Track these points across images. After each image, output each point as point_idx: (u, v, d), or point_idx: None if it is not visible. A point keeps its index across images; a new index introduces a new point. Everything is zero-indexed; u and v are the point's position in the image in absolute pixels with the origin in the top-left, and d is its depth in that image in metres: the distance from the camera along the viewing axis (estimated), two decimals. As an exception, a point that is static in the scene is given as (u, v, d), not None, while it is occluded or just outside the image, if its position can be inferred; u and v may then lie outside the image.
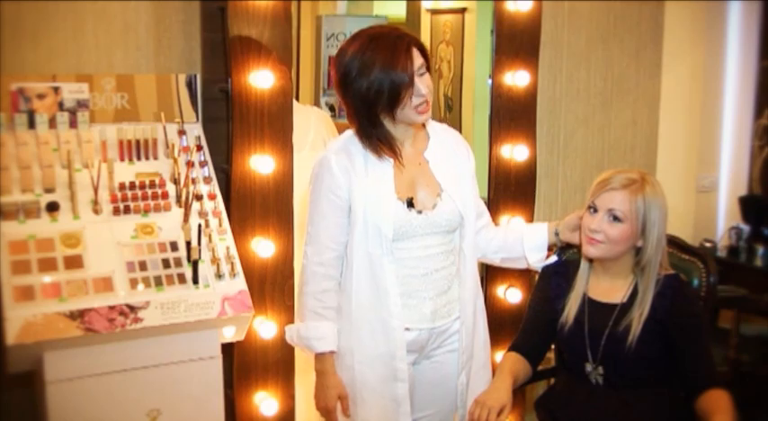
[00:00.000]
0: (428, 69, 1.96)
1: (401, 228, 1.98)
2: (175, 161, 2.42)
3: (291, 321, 2.40)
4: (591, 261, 2.11)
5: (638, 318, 2.00)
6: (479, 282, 2.18)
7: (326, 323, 2.03)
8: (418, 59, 1.92)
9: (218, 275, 2.30)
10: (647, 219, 1.98)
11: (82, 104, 2.39)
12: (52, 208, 2.24)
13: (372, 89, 1.90)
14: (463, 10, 4.28)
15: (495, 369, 2.17)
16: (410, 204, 2.00)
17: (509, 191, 2.89)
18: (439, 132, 2.13)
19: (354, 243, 2.01)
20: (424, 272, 2.02)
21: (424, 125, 2.10)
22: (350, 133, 2.07)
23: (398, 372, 2.03)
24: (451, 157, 2.10)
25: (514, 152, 2.88)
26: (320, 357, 2.05)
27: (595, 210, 2.03)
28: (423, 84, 1.93)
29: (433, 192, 2.04)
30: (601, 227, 2.01)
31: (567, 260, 2.32)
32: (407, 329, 2.03)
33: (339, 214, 2.02)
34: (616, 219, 1.99)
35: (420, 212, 2.00)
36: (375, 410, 2.05)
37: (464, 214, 2.06)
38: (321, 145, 2.70)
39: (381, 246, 1.98)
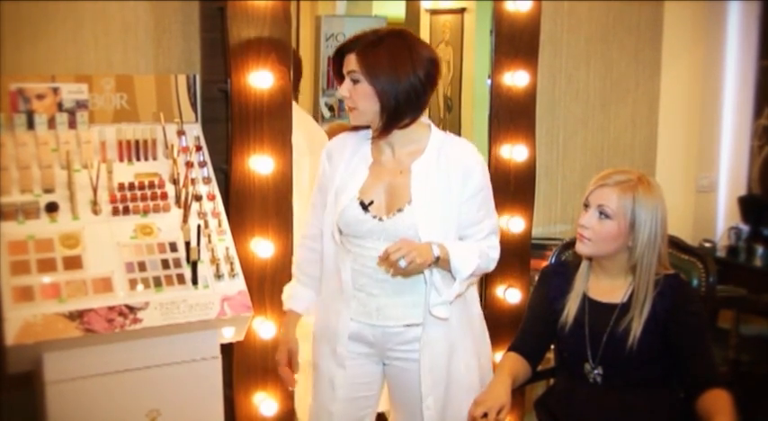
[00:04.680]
0: (368, 80, 1.90)
1: (351, 226, 1.98)
2: (175, 161, 2.42)
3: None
4: (590, 260, 2.11)
5: (638, 319, 2.00)
6: (467, 304, 2.07)
7: (301, 287, 2.16)
8: (349, 64, 1.93)
9: (218, 276, 2.30)
10: (636, 219, 1.97)
11: (81, 105, 2.39)
12: (51, 208, 2.24)
13: None
14: (462, 10, 4.27)
15: (493, 370, 2.16)
16: (364, 206, 1.97)
17: (509, 191, 2.89)
18: (443, 146, 2.00)
19: (325, 226, 2.07)
20: (372, 272, 1.99)
21: (427, 135, 2.03)
22: None
23: (338, 357, 2.04)
24: (442, 177, 1.97)
25: (514, 152, 2.88)
26: (285, 313, 2.18)
27: (588, 206, 2.03)
28: (343, 87, 1.95)
29: (400, 201, 1.97)
30: (590, 222, 2.01)
31: (566, 260, 2.32)
32: (351, 319, 2.03)
33: (322, 195, 2.09)
34: (605, 215, 1.99)
35: (375, 217, 1.97)
36: (316, 387, 2.12)
37: (423, 233, 1.93)
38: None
39: (338, 235, 2.02)
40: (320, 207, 2.10)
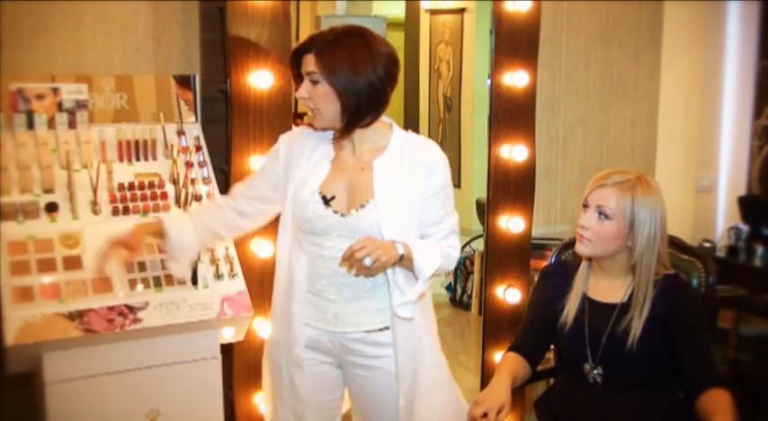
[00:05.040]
0: (327, 81, 1.86)
1: (311, 222, 1.94)
2: (174, 162, 2.42)
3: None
4: (590, 260, 2.11)
5: (638, 319, 2.00)
6: (423, 305, 2.02)
7: (185, 215, 2.19)
8: (307, 65, 1.89)
9: (218, 276, 2.30)
10: (635, 219, 1.97)
11: (81, 105, 2.39)
12: (51, 208, 2.24)
13: None
14: (462, 10, 4.27)
15: (492, 370, 2.16)
16: (326, 201, 1.94)
17: (508, 191, 2.90)
18: (406, 144, 1.97)
19: (282, 222, 2.02)
20: (331, 274, 1.96)
21: (389, 134, 1.99)
22: None
23: (296, 358, 2.01)
24: (405, 174, 1.94)
25: (513, 152, 2.88)
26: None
27: (587, 207, 2.03)
28: (302, 88, 1.90)
29: (362, 197, 1.93)
30: (589, 223, 2.01)
31: (566, 260, 2.32)
32: (306, 324, 2.00)
33: (261, 176, 2.07)
34: (604, 216, 1.99)
35: (337, 212, 1.94)
36: (278, 391, 2.08)
37: (386, 230, 1.90)
38: None
39: (296, 234, 1.99)
40: (254, 189, 2.06)
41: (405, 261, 1.88)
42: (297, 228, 1.99)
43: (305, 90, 1.89)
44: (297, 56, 1.91)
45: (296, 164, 1.99)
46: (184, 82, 2.54)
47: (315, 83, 1.88)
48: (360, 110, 1.88)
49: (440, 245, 1.98)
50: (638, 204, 1.97)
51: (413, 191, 1.94)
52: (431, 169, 1.95)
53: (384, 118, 1.99)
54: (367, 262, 1.78)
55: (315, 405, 2.06)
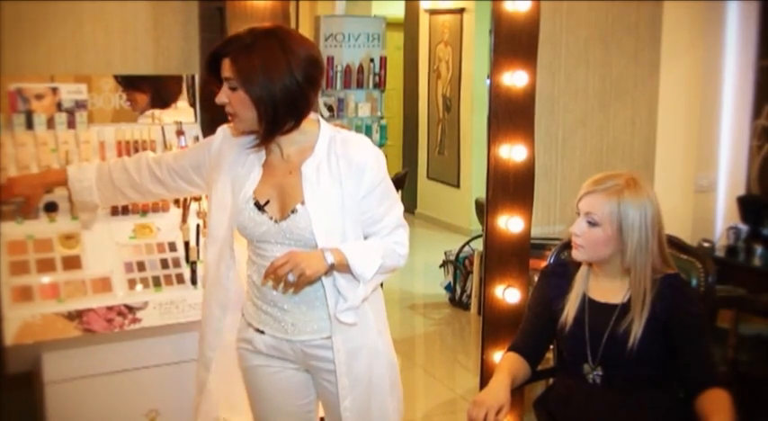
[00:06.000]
0: (243, 88, 1.79)
1: (248, 229, 1.89)
2: (174, 161, 2.42)
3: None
4: (590, 263, 2.12)
5: (638, 320, 2.00)
6: (375, 304, 1.99)
7: (94, 168, 2.14)
8: (225, 70, 1.82)
9: (217, 276, 2.30)
10: (623, 223, 1.98)
11: (80, 105, 2.39)
12: (51, 208, 2.24)
13: None
14: (462, 10, 4.27)
15: (492, 370, 2.16)
16: (259, 207, 1.88)
17: (507, 191, 2.89)
18: (333, 144, 1.90)
19: (208, 231, 1.98)
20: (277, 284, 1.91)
21: (316, 134, 1.92)
22: None
23: (204, 359, 1.99)
24: (334, 176, 1.87)
25: (513, 152, 2.88)
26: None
27: (579, 214, 2.04)
28: (221, 94, 1.84)
29: (293, 202, 1.87)
30: (580, 230, 2.02)
31: (566, 260, 2.32)
32: (262, 332, 1.95)
33: (190, 156, 2.05)
34: (592, 223, 2.00)
35: (272, 218, 1.88)
36: (196, 384, 2.06)
37: (318, 235, 1.84)
38: None
39: (248, 243, 1.95)
40: (182, 168, 2.04)
41: (339, 267, 1.83)
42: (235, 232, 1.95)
43: (224, 95, 1.83)
44: (215, 59, 1.84)
45: (223, 164, 1.94)
46: (135, 82, 2.51)
47: (233, 89, 1.80)
48: (277, 117, 1.80)
49: (384, 242, 1.92)
50: (624, 208, 1.97)
51: (343, 192, 1.87)
52: (360, 169, 1.87)
53: (312, 115, 1.91)
54: (290, 277, 1.75)
55: (288, 411, 2.02)
